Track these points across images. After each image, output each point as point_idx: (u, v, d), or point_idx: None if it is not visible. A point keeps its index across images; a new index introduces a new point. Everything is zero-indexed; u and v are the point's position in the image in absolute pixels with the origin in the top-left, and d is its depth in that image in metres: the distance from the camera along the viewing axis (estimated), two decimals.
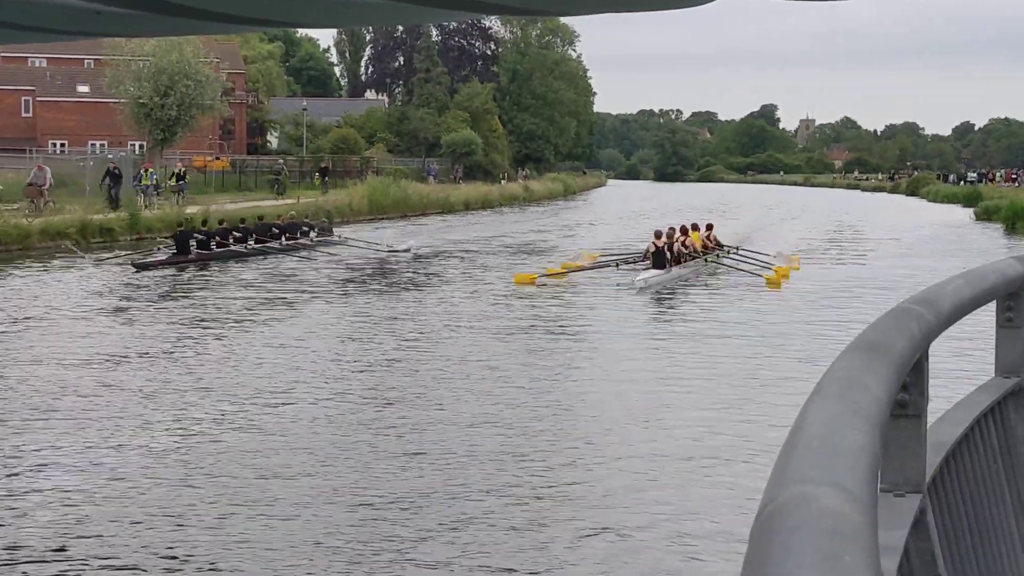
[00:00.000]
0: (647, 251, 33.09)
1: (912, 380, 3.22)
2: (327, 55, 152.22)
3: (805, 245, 46.80)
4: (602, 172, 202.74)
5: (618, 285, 29.94)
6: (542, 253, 42.80)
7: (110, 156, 57.41)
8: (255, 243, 38.03)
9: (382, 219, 62.04)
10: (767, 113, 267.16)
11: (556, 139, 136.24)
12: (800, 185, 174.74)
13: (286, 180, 71.65)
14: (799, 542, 1.37)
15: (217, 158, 77.35)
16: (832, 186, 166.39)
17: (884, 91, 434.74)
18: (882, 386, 2.31)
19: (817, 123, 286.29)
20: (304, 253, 38.18)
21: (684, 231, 35.75)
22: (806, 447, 1.71)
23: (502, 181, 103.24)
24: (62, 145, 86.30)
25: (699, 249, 35.97)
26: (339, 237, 42.03)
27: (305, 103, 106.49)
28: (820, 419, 1.85)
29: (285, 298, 27.40)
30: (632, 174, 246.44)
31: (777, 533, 1.41)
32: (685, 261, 33.92)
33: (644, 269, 31.76)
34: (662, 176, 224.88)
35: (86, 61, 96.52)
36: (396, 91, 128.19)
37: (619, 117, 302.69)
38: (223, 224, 39.34)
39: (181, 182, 55.74)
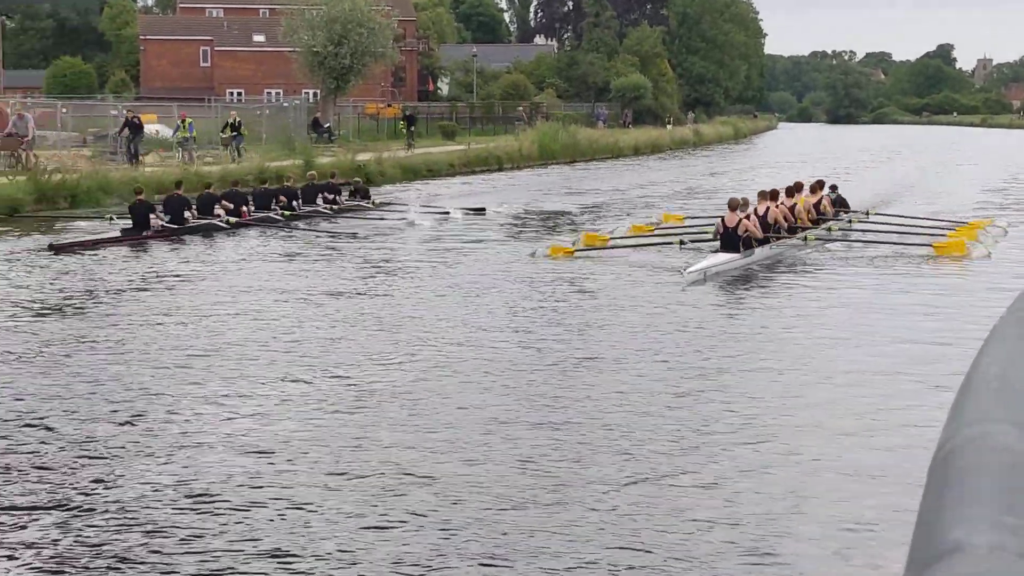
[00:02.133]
0: (715, 231, 24.38)
1: None
2: (496, 1, 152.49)
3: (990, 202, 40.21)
4: (773, 115, 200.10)
5: (675, 271, 22.61)
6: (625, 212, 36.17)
7: (124, 110, 49.45)
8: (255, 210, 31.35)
9: (551, 164, 62.44)
10: (943, 53, 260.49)
11: (726, 82, 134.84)
12: (977, 126, 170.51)
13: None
14: (977, 480, 1.36)
15: (389, 105, 78.25)
16: (1010, 127, 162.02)
17: None
18: None
19: (995, 62, 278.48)
20: (309, 222, 31.78)
21: (787, 192, 27.51)
22: (984, 387, 1.64)
23: (668, 125, 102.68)
24: (239, 94, 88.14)
25: (804, 219, 27.33)
26: (372, 203, 35.47)
27: (475, 49, 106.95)
28: (998, 359, 1.75)
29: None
30: (804, 116, 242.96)
31: (955, 471, 1.40)
32: (777, 239, 25.35)
33: (713, 252, 23.60)
34: (834, 118, 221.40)
35: (261, 11, 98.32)
36: (565, 36, 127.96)
37: (791, 59, 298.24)
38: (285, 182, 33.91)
39: (235, 134, 48.73)
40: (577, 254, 24.98)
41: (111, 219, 28.75)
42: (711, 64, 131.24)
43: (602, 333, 16.75)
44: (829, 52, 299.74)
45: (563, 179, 53.15)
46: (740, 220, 23.72)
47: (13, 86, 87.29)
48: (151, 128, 51.56)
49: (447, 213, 33.64)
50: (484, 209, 35.46)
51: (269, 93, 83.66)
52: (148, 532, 8.96)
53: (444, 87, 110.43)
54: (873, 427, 11.75)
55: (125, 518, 9.23)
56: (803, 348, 15.78)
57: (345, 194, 35.61)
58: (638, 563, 8.40)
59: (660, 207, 37.27)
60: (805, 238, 26.29)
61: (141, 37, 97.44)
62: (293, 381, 13.62)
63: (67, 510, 9.40)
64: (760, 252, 24.28)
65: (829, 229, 28.04)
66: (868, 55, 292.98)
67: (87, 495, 9.72)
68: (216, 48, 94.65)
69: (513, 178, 53.45)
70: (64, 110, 48.69)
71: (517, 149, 62.23)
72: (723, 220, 24.01)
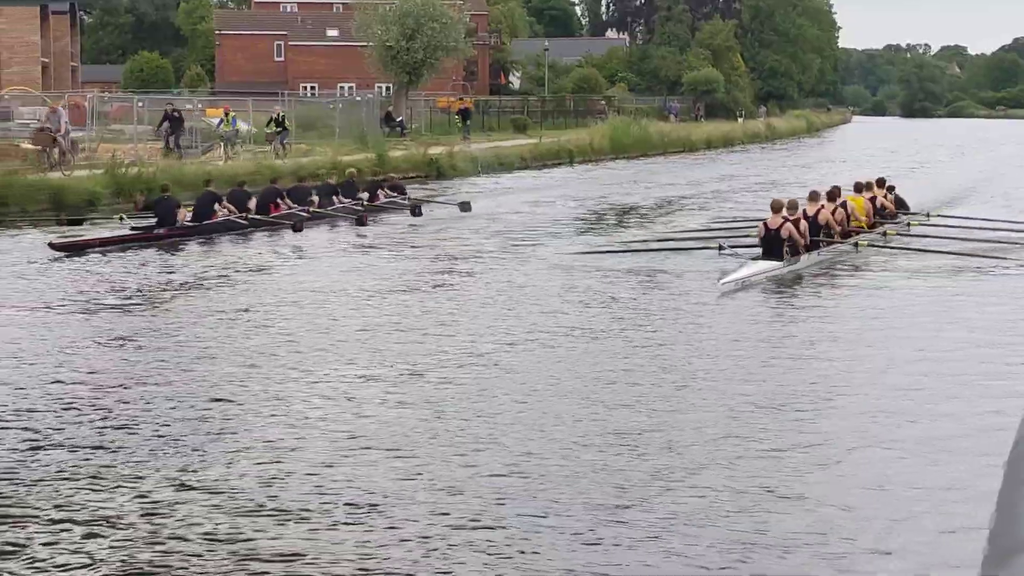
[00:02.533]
0: (758, 234, 22.26)
1: None
2: None
3: None
4: (847, 109, 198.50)
5: (708, 278, 20.68)
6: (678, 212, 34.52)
7: (170, 102, 47.80)
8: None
9: (622, 158, 62.45)
10: (1019, 46, 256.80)
11: (799, 76, 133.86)
12: None
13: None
14: None
15: (460, 99, 78.48)
16: None
17: None
18: None
19: None
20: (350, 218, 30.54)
21: (832, 196, 24.68)
22: None
23: (740, 119, 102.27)
24: (312, 88, 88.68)
25: (863, 222, 25.59)
26: (408, 199, 34.21)
27: (546, 43, 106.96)
28: None
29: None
30: (878, 110, 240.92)
31: None
32: (828, 243, 23.36)
33: (754, 259, 21.48)
34: (909, 112, 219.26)
35: (335, 6, 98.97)
36: (637, 29, 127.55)
37: (865, 52, 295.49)
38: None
39: (280, 128, 47.24)
40: (606, 254, 23.61)
41: (121, 218, 27.00)
42: (784, 58, 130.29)
43: (620, 343, 15.59)
44: (903, 45, 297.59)
45: (633, 173, 53.17)
46: (784, 223, 21.66)
47: (91, 80, 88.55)
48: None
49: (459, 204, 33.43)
50: (469, 203, 33.82)
51: (342, 87, 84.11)
52: (228, 523, 9.19)
53: (516, 81, 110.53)
54: (948, 435, 11.61)
55: (208, 509, 9.51)
56: (839, 371, 14.34)
57: (382, 193, 33.86)
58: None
59: (728, 200, 37.02)
60: (856, 244, 23.90)
61: (216, 32, 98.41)
62: (363, 375, 13.81)
63: (147, 503, 9.65)
64: (805, 260, 22.15)
65: (884, 234, 25.82)
66: (943, 48, 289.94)
67: (165, 491, 9.96)
68: (290, 43, 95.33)
69: (584, 172, 53.54)
70: (141, 104, 49.28)
71: (588, 143, 62.29)
72: (765, 223, 22.02)
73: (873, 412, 12.37)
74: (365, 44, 65.84)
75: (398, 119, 62.27)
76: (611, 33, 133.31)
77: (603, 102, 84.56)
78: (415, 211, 32.56)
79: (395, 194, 34.33)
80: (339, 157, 43.11)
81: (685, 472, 10.24)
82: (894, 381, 13.75)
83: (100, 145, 41.77)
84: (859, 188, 26.70)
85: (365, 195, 32.99)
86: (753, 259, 21.36)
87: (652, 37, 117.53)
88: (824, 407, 12.64)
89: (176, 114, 43.83)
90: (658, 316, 17.71)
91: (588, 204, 37.46)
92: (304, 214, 29.46)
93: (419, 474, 10.23)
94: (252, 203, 28.57)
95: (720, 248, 22.68)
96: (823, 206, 23.68)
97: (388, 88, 73.69)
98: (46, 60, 76.40)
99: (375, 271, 22.33)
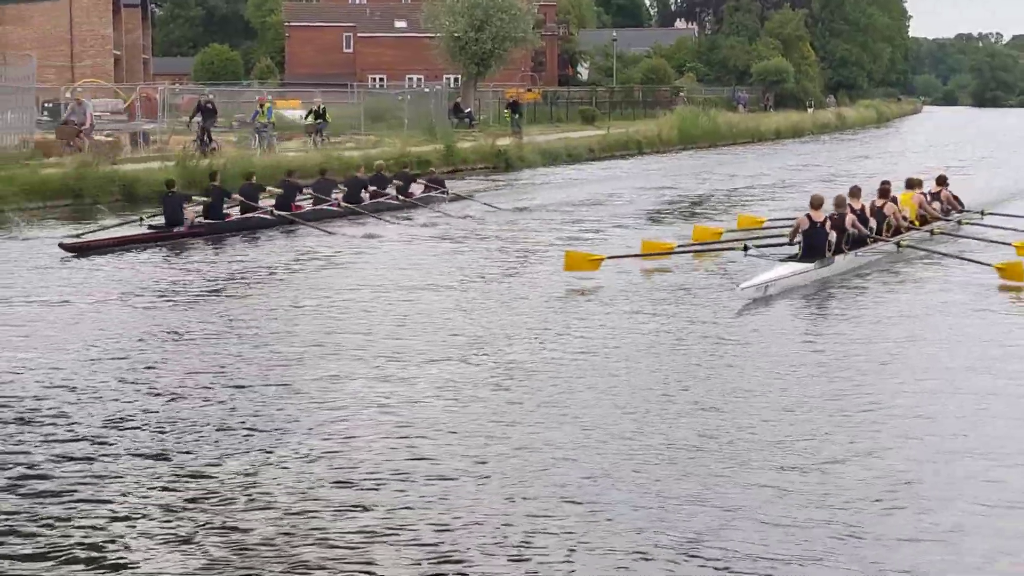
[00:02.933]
0: (795, 229, 20.26)
1: None
2: None
3: None
4: (917, 98, 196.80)
5: (735, 284, 18.59)
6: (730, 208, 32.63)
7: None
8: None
9: (691, 149, 62.26)
10: None
11: (869, 65, 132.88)
12: None
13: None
14: None
15: (529, 90, 78.58)
16: None
17: None
18: None
19: None
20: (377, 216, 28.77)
21: (883, 192, 22.82)
22: None
23: (810, 109, 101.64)
24: (380, 79, 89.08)
25: (914, 217, 23.90)
26: (447, 192, 32.66)
27: (615, 34, 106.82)
28: None
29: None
30: (948, 100, 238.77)
31: None
32: (874, 240, 21.76)
33: (782, 260, 19.71)
34: (980, 102, 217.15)
35: None
36: (706, 19, 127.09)
37: (935, 41, 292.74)
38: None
39: (320, 121, 45.78)
40: (608, 262, 20.19)
41: (141, 219, 25.09)
42: (854, 47, 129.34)
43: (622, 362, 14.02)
44: (975, 35, 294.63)
45: (702, 164, 52.98)
46: (825, 220, 19.95)
47: (162, 73, 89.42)
48: (293, 114, 52.43)
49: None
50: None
51: (410, 79, 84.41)
52: (302, 512, 9.31)
53: (584, 72, 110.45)
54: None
55: (284, 499, 9.62)
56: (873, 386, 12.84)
57: (420, 186, 32.50)
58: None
59: (799, 190, 36.64)
60: (899, 244, 21.85)
61: (285, 24, 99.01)
62: (433, 364, 13.86)
63: (219, 500, 9.80)
64: (841, 262, 20.36)
65: (932, 233, 23.81)
66: (1015, 37, 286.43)
67: (237, 484, 10.06)
68: (358, 34, 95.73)
69: (652, 163, 53.42)
70: (211, 96, 49.71)
71: (657, 134, 62.16)
72: (808, 218, 20.02)
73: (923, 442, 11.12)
74: (433, 35, 65.99)
75: (466, 110, 62.42)
76: (680, 23, 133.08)
77: (677, 93, 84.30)
78: (451, 202, 31.51)
79: (435, 187, 32.80)
80: (407, 148, 43.30)
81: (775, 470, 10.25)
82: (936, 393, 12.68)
83: (172, 137, 42.18)
84: (911, 184, 25.02)
85: (394, 188, 31.27)
86: (782, 260, 19.64)
87: (721, 27, 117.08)
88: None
89: (210, 105, 41.68)
90: (679, 324, 16.04)
91: (657, 195, 37.33)
92: (335, 208, 28.33)
93: (487, 462, 10.30)
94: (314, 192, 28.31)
95: (745, 249, 20.25)
96: (872, 202, 22.43)
97: (456, 79, 73.87)
98: (118, 53, 77.21)
99: (415, 265, 21.69)
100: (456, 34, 62.68)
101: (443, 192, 32.71)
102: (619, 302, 17.75)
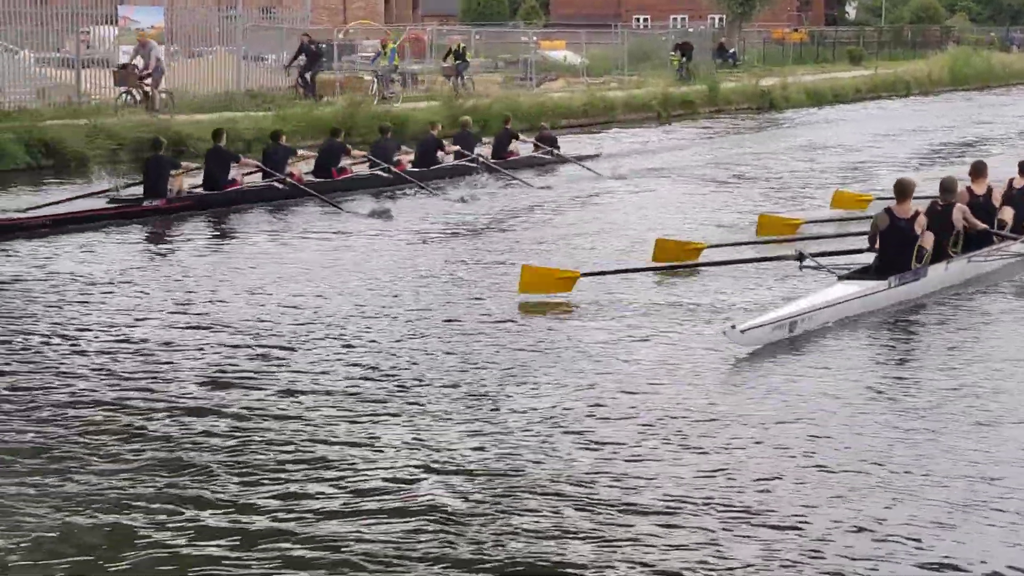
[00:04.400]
0: (873, 229, 13.91)
1: None
2: None
3: None
4: None
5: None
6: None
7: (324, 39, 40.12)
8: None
9: (961, 90, 60.44)
10: None
11: None
12: None
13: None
14: None
15: (795, 30, 77.29)
16: None
17: None
18: None
19: None
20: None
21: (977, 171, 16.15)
22: None
23: None
24: (645, 20, 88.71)
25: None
26: (554, 153, 27.70)
27: None
28: None
29: None
30: None
31: None
32: (1000, 238, 15.34)
33: (844, 278, 13.61)
34: None
35: None
36: None
37: None
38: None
39: (459, 62, 40.91)
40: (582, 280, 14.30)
41: (117, 189, 20.89)
42: None
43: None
44: None
45: (976, 105, 51.35)
46: (916, 215, 13.80)
47: (430, 14, 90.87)
48: (558, 55, 52.82)
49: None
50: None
51: (675, 19, 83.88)
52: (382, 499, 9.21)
53: (851, 11, 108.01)
54: None
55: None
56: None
57: (529, 145, 27.79)
58: None
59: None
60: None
61: None
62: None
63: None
64: (936, 275, 14.15)
65: None
66: None
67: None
68: None
69: (921, 104, 52.06)
70: (478, 37, 50.34)
71: (927, 75, 60.62)
72: (883, 216, 13.94)
73: None
74: None
75: (730, 51, 61.87)
76: None
77: (948, 32, 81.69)
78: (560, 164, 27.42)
79: (544, 146, 28.01)
80: (669, 89, 43.34)
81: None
82: None
83: (439, 78, 42.92)
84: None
85: (486, 149, 26.44)
86: (844, 277, 13.66)
87: None
88: None
89: (313, 47, 36.55)
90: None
91: (927, 137, 36.49)
92: (384, 174, 23.33)
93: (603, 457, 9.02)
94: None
95: (800, 258, 14.04)
96: (1000, 186, 16.09)
97: (721, 20, 73.23)
98: None
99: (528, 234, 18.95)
100: None
101: (548, 152, 27.83)
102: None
